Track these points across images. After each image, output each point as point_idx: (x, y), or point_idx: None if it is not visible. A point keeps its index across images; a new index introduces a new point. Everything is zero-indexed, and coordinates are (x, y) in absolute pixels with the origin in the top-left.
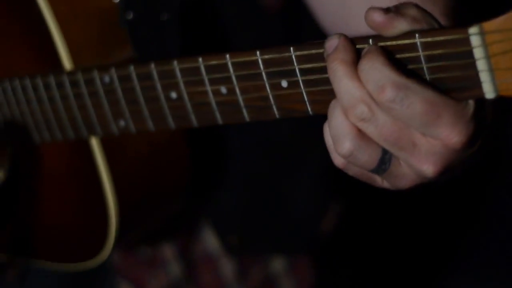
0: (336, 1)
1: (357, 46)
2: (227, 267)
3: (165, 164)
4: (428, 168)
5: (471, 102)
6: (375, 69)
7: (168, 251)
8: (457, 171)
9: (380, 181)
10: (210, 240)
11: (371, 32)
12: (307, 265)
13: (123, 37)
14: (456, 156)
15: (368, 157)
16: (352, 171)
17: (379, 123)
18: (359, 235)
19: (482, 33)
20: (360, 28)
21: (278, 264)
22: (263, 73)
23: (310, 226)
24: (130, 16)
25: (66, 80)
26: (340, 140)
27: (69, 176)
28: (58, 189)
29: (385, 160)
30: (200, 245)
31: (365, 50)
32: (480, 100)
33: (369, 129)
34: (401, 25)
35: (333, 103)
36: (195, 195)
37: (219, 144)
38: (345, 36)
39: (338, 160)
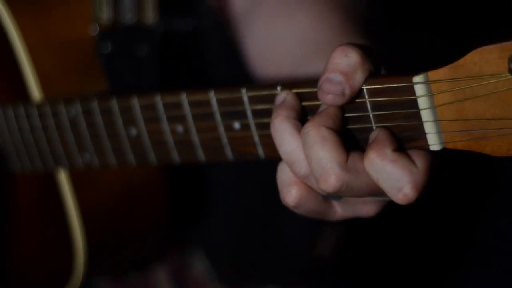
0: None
1: (304, 104)
2: None
3: (140, 200)
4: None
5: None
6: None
7: (161, 276)
8: None
9: (333, 214)
10: (202, 266)
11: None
12: None
13: (98, 70)
14: None
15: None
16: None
17: (315, 186)
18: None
19: (427, 82)
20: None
21: None
22: (217, 114)
23: (303, 254)
24: (108, 49)
25: (35, 112)
26: (294, 164)
27: (39, 208)
28: (29, 220)
29: None
30: (193, 270)
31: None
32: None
33: (314, 185)
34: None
35: None
36: (181, 226)
37: (210, 173)
38: (293, 94)
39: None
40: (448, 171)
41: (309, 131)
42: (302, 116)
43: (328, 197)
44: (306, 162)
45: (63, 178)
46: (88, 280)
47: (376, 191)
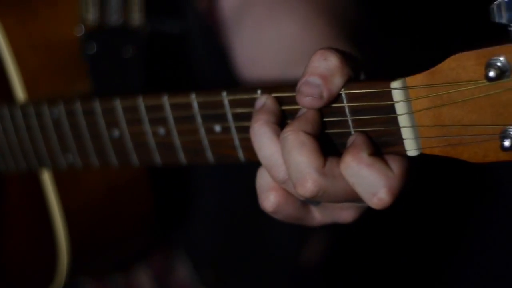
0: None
1: (284, 108)
2: None
3: (124, 200)
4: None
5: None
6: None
7: (143, 278)
8: None
9: (311, 220)
10: (186, 269)
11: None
12: None
13: (83, 70)
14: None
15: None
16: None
17: (293, 191)
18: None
19: (405, 87)
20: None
21: None
22: (198, 116)
23: (288, 260)
24: (93, 50)
25: (19, 112)
26: (273, 168)
27: (24, 208)
28: (14, 220)
29: None
30: (176, 274)
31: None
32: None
33: (292, 190)
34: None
35: None
36: (165, 227)
37: (195, 176)
38: (273, 98)
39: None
40: (427, 176)
41: (288, 136)
42: (282, 120)
43: (306, 203)
44: (283, 168)
45: (46, 179)
46: (72, 279)
47: (353, 197)
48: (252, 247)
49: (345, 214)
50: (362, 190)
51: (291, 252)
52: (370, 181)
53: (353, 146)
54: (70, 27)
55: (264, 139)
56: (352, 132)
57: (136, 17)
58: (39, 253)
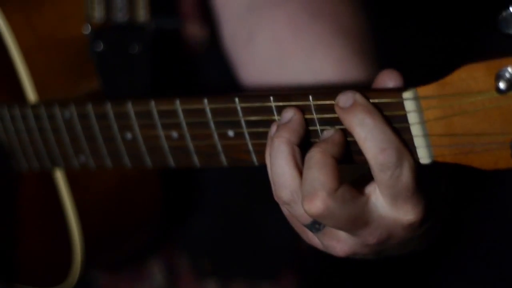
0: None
1: (311, 128)
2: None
3: (135, 196)
4: (373, 239)
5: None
6: (379, 129)
7: (154, 268)
8: (419, 245)
9: (310, 236)
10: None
11: None
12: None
13: (91, 68)
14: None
15: (303, 213)
16: (287, 215)
17: (296, 213)
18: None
19: (416, 98)
20: None
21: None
22: (211, 122)
23: (287, 249)
24: (100, 48)
25: (30, 113)
26: (280, 188)
27: (38, 204)
28: (29, 216)
29: (318, 222)
30: (186, 262)
31: (358, 101)
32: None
33: (290, 211)
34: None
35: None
36: (173, 219)
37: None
38: (301, 115)
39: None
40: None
41: (315, 155)
42: (303, 140)
43: (306, 227)
44: (291, 189)
45: (59, 176)
46: (85, 273)
47: (355, 225)
48: (250, 236)
49: (339, 246)
50: (372, 145)
51: (290, 241)
52: (382, 137)
53: None
54: (76, 25)
55: (280, 157)
56: None
57: (142, 14)
58: (53, 249)
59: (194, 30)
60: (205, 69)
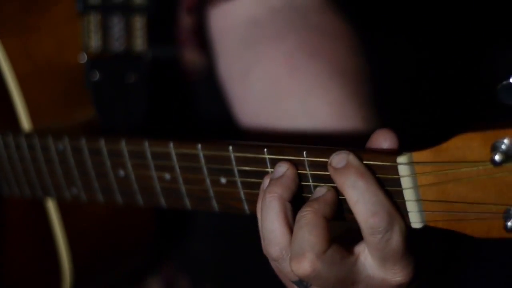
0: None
1: (304, 183)
2: None
3: (126, 218)
4: None
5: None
6: (371, 192)
7: (153, 286)
8: None
9: None
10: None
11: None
12: None
13: (87, 97)
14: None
15: (291, 270)
16: (275, 269)
17: (284, 269)
18: None
19: (411, 163)
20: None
21: None
22: (204, 168)
23: None
24: (96, 77)
25: (24, 143)
26: (270, 244)
27: (27, 228)
28: (17, 239)
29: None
30: (185, 283)
31: (351, 163)
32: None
33: (279, 267)
34: None
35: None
36: (167, 241)
37: None
38: (294, 170)
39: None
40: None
41: (306, 215)
42: (295, 196)
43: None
44: (280, 247)
45: (50, 204)
46: None
47: (342, 285)
48: (252, 260)
49: None
50: (364, 209)
51: None
52: (374, 201)
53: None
54: (73, 54)
55: (271, 213)
56: None
57: (138, 44)
58: (42, 272)
59: (191, 57)
60: (202, 98)
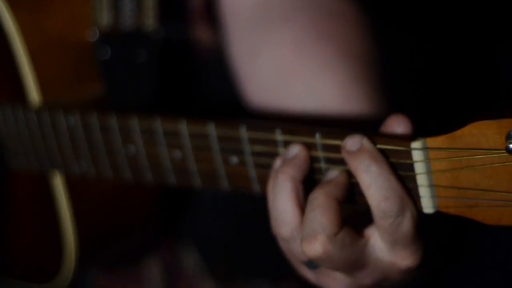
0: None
1: (315, 165)
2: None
3: (131, 192)
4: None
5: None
6: (383, 177)
7: (153, 269)
8: (413, 283)
9: (305, 271)
10: (193, 260)
11: None
12: None
13: (97, 74)
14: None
15: (301, 251)
16: (284, 249)
17: (294, 250)
18: None
19: (425, 148)
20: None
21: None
22: (216, 147)
23: None
24: (107, 54)
25: (33, 117)
26: (280, 224)
27: (32, 200)
28: (22, 211)
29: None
30: (185, 264)
31: (365, 147)
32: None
33: (288, 247)
34: None
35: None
36: (172, 218)
37: None
38: (306, 152)
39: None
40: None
41: (318, 197)
42: (307, 177)
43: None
44: (291, 227)
45: (57, 177)
46: (81, 271)
47: (351, 268)
48: (251, 239)
49: (334, 285)
50: (376, 193)
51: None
52: (387, 186)
53: None
54: (84, 30)
55: (282, 194)
56: None
57: (150, 22)
58: (47, 245)
59: (202, 35)
60: (211, 77)
